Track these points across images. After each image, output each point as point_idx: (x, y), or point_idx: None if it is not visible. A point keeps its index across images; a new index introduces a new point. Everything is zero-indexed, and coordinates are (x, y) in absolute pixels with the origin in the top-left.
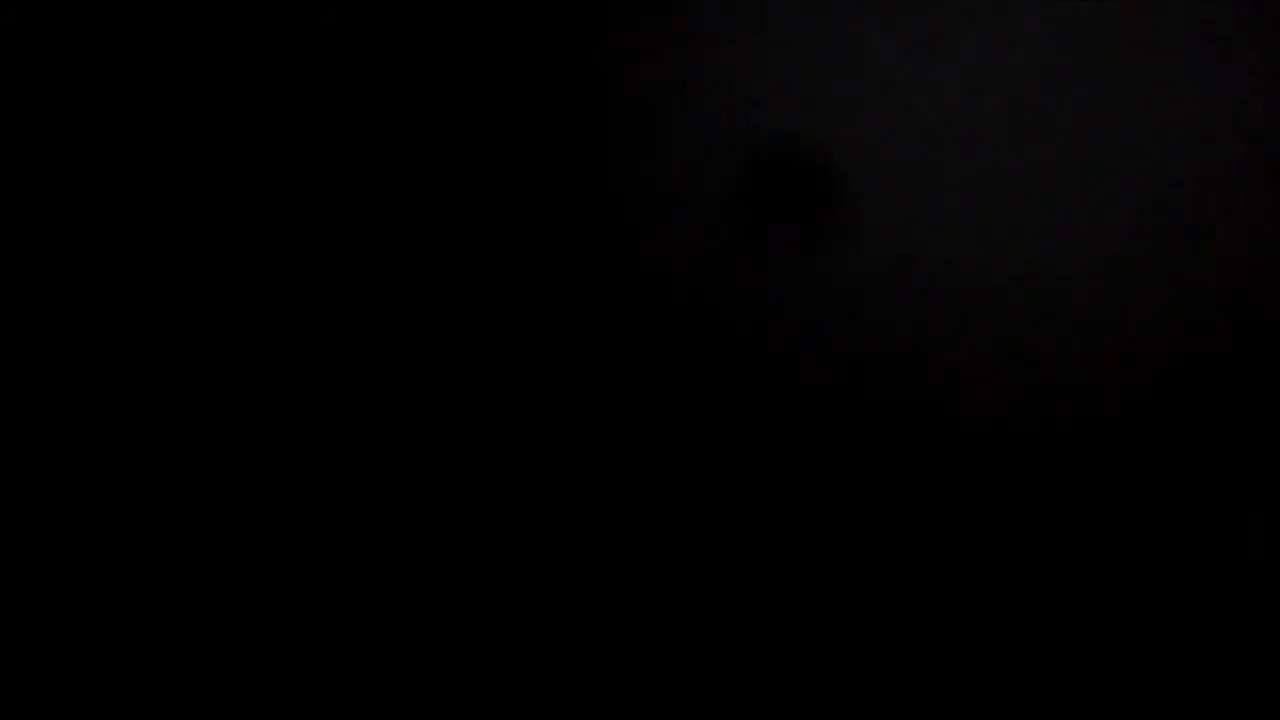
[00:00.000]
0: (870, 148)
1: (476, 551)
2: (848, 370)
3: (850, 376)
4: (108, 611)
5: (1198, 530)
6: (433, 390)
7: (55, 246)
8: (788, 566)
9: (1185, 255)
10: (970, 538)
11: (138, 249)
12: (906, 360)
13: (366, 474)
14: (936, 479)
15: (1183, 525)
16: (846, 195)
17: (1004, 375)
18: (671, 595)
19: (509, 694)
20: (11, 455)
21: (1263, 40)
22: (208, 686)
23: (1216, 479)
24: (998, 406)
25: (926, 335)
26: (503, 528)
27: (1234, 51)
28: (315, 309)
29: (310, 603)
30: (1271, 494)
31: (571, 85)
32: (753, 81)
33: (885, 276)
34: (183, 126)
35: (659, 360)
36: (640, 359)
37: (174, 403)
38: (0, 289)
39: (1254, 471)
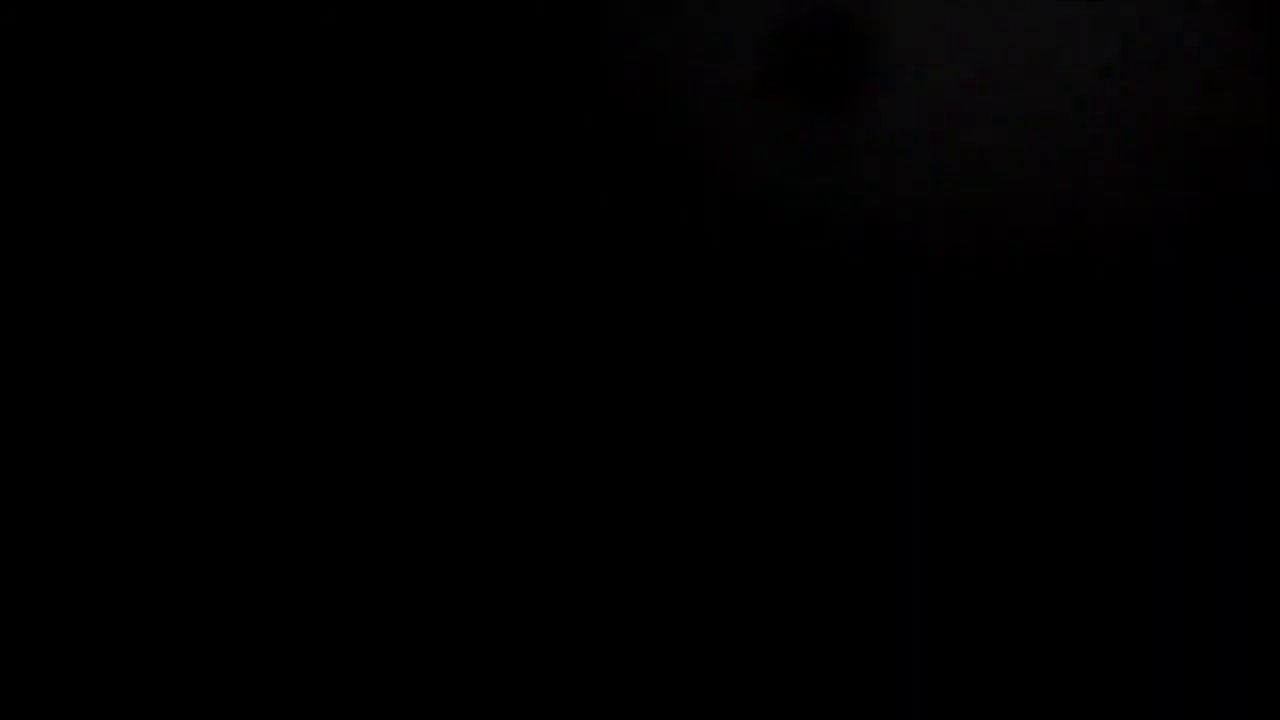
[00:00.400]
0: (899, 10)
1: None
2: (875, 226)
3: (877, 232)
4: (107, 611)
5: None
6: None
7: (55, 246)
8: (814, 430)
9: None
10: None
11: (138, 249)
12: (930, 216)
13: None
14: (951, 335)
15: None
16: (875, 56)
17: (1032, 230)
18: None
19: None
20: (11, 455)
21: None
22: (207, 686)
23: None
24: (1022, 257)
25: (951, 192)
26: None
27: None
28: (327, 264)
29: (311, 598)
30: None
31: None
32: None
33: (912, 134)
34: (183, 126)
35: (683, 218)
36: (664, 216)
37: (175, 402)
38: (0, 289)
39: None
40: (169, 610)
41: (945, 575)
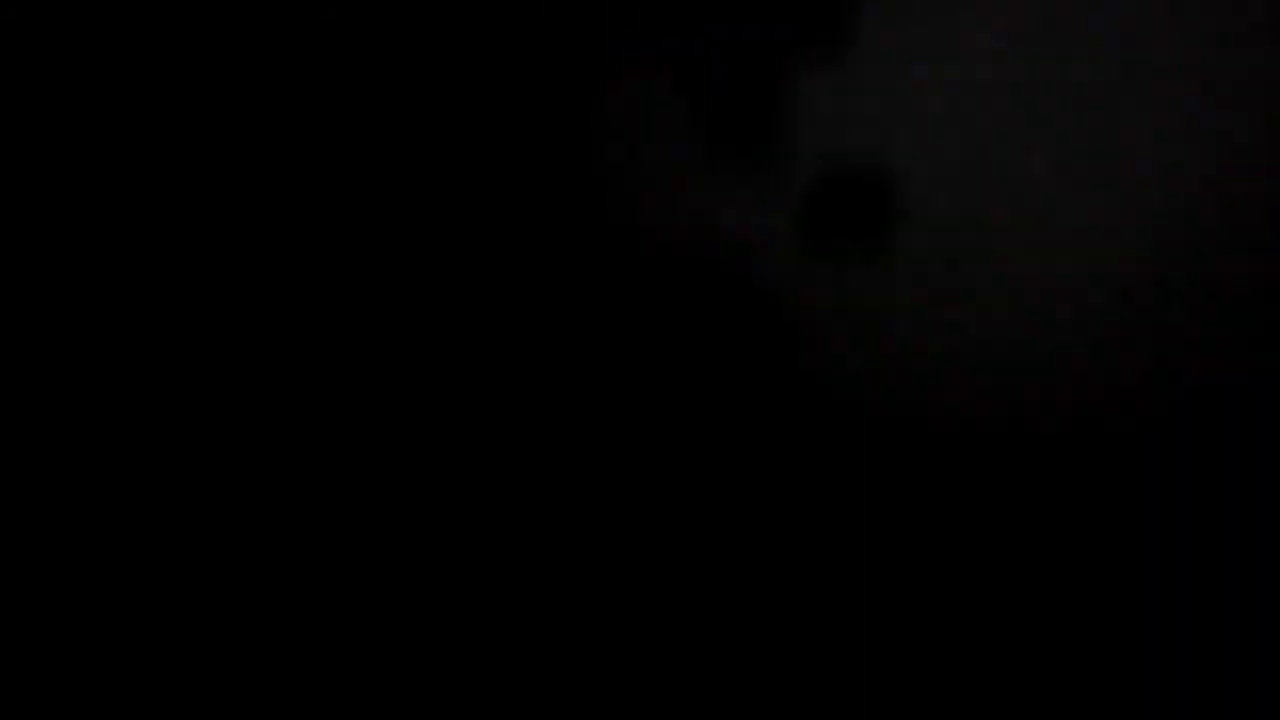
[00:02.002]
0: (925, 165)
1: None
2: (892, 378)
3: (894, 385)
4: (108, 611)
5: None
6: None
7: (55, 246)
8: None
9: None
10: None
11: (137, 249)
12: (949, 368)
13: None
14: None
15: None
16: (901, 208)
17: (1040, 385)
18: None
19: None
20: (11, 455)
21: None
22: (207, 687)
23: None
24: (1034, 416)
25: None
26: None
27: (1251, 52)
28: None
29: (309, 602)
30: None
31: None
32: (824, 103)
33: (935, 286)
34: (182, 126)
35: (705, 353)
36: (686, 345)
37: (173, 402)
38: (1, 289)
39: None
40: (169, 610)
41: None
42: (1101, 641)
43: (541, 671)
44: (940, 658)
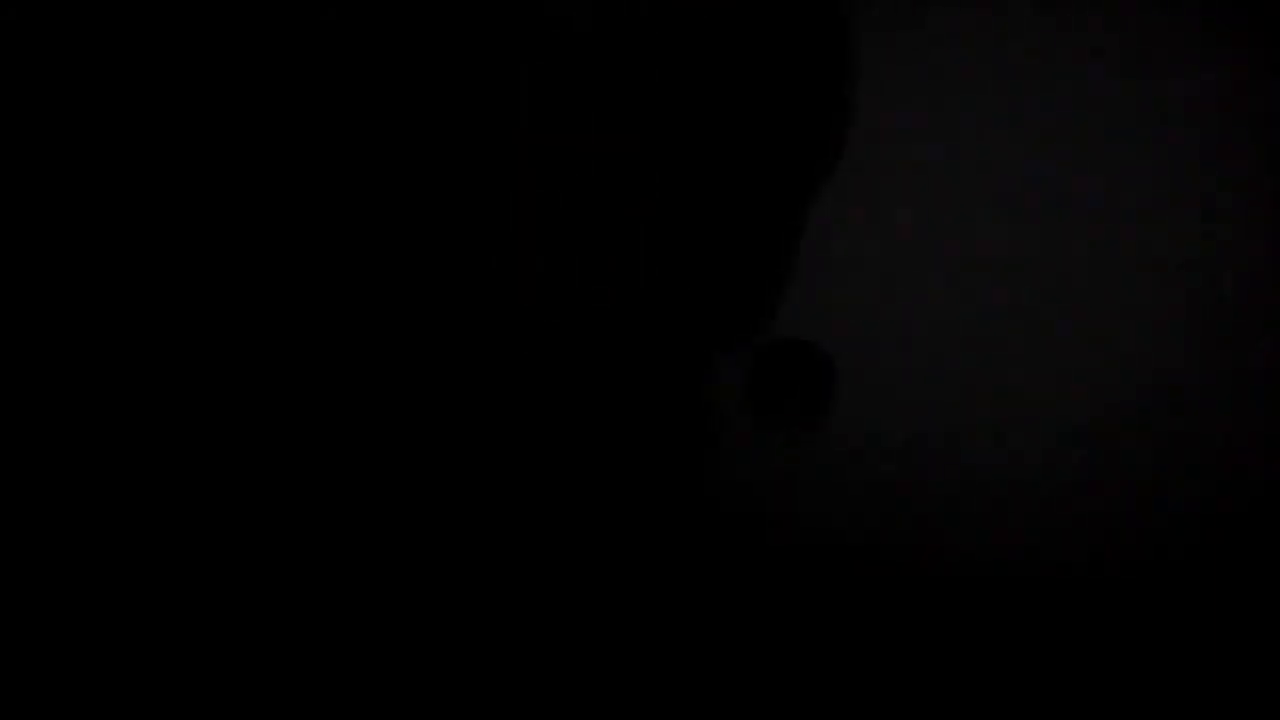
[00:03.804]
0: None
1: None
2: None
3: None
4: (108, 612)
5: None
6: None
7: (55, 246)
8: None
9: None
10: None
11: (136, 249)
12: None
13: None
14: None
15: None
16: (835, 381)
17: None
18: None
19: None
20: (11, 455)
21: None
22: (206, 687)
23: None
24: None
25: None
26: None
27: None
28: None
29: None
30: None
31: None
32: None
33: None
34: (183, 126)
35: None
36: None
37: (170, 402)
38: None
39: None
40: (167, 610)
41: None
42: None
43: None
44: None
